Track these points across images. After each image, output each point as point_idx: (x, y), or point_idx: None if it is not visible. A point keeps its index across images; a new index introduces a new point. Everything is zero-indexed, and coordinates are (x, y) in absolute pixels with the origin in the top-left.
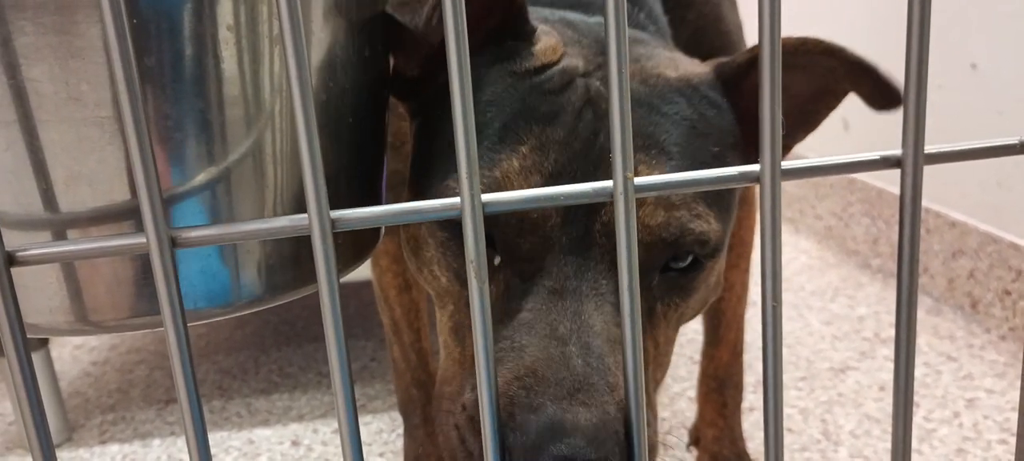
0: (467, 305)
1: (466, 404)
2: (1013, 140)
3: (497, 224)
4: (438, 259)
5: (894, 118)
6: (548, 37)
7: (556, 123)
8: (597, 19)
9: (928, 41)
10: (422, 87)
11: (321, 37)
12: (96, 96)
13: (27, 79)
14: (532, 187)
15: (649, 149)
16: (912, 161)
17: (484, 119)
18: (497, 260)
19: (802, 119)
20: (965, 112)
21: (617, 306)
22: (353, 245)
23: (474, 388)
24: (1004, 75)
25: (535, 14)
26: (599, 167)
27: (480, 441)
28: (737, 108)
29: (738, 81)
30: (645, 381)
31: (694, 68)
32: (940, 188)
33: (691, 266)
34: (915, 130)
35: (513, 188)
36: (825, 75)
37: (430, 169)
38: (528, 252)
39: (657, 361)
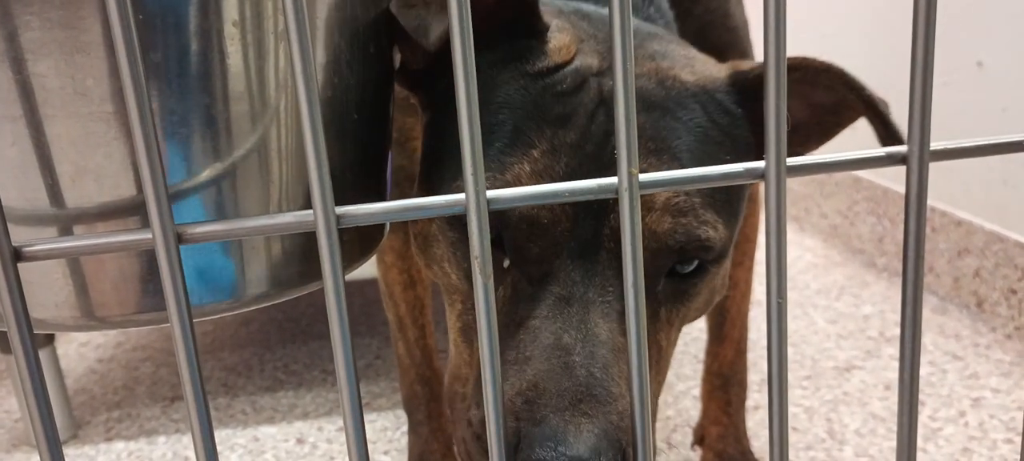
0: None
1: (473, 421)
2: (1020, 137)
3: (507, 226)
4: (449, 257)
5: (900, 116)
6: (561, 35)
7: (568, 126)
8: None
9: (934, 38)
10: (433, 80)
11: (326, 33)
12: (102, 91)
13: (33, 74)
14: None
15: (660, 153)
16: (918, 158)
17: (495, 120)
18: (506, 263)
19: (819, 129)
20: (971, 110)
21: (623, 313)
22: (359, 241)
23: (480, 405)
24: (1010, 73)
25: (549, 7)
26: (611, 170)
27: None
28: (752, 117)
29: (755, 91)
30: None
31: (710, 71)
32: (945, 186)
33: (696, 271)
34: (920, 127)
35: None
36: (845, 96)
37: (440, 167)
38: (537, 256)
39: (659, 365)
